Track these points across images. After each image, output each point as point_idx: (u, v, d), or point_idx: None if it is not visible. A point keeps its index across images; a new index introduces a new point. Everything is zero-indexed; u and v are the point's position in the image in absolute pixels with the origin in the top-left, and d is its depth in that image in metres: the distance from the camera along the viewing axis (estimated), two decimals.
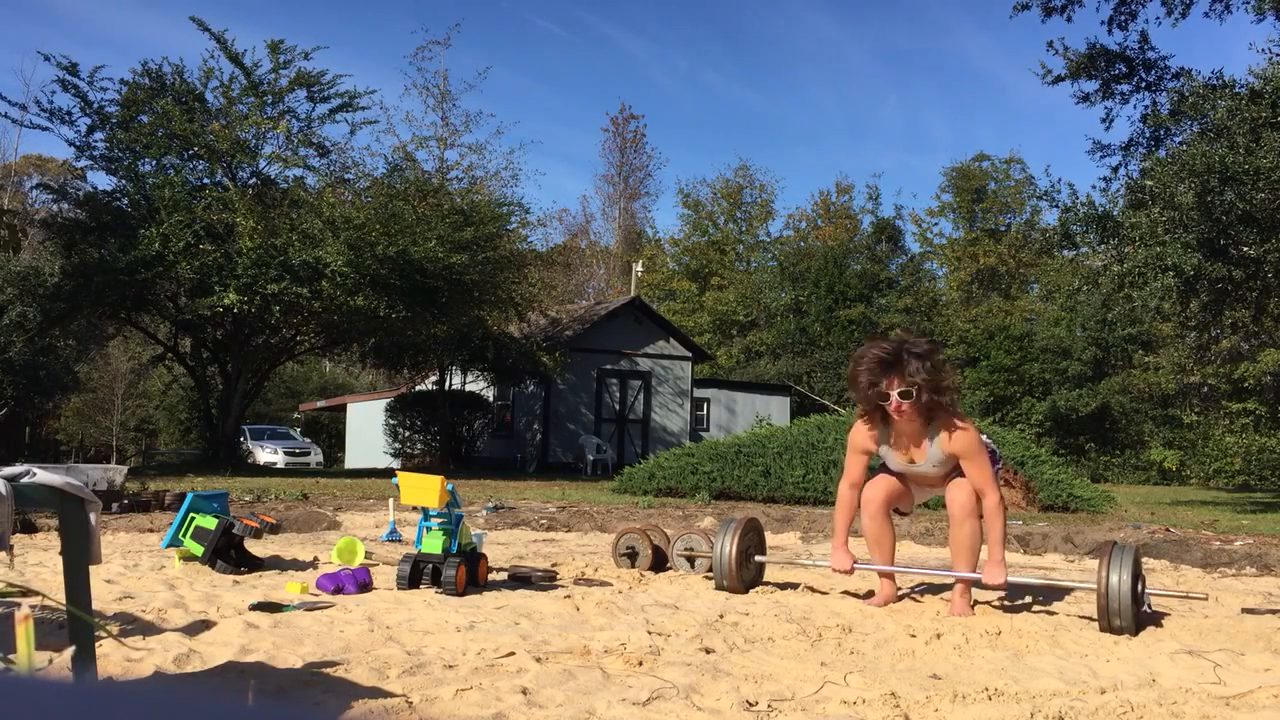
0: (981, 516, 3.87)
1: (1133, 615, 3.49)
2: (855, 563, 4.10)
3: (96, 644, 2.54)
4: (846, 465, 4.10)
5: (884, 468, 4.19)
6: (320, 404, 34.89)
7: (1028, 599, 4.36)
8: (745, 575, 4.39)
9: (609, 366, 23.21)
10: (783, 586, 4.53)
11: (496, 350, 20.37)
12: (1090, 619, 3.81)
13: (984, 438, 3.99)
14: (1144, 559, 6.26)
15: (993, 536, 3.81)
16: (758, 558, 4.52)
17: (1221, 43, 48.88)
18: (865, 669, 2.84)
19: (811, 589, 4.46)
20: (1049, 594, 4.48)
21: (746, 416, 25.98)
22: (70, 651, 1.99)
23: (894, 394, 3.67)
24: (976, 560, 4.01)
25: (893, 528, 4.21)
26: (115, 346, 29.67)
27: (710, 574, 4.79)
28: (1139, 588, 3.62)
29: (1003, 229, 41.45)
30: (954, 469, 3.95)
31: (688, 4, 69.53)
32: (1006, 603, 4.22)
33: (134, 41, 63.17)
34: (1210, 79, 13.14)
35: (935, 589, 4.53)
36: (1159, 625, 3.70)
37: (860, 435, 3.99)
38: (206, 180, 16.87)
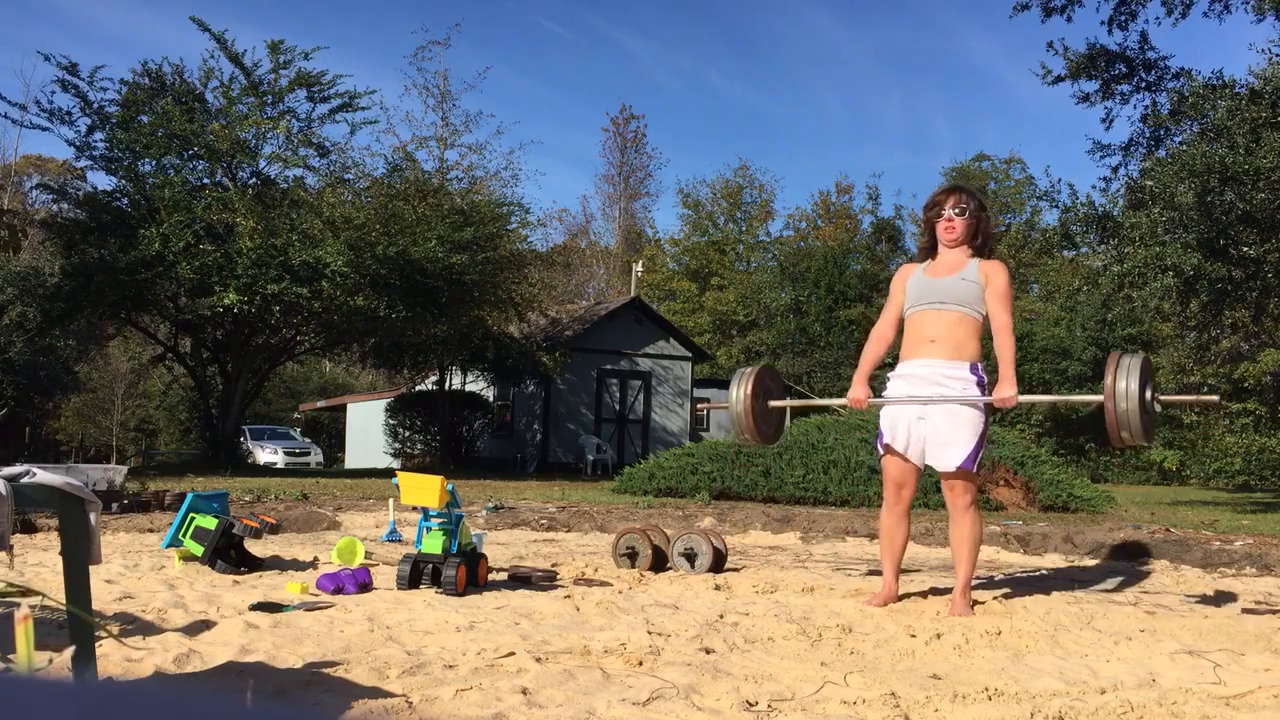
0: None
1: (1141, 422, 3.43)
2: (870, 398, 4.18)
3: (96, 644, 2.54)
4: (887, 304, 4.24)
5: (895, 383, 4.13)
6: (320, 404, 34.90)
7: (1028, 599, 4.36)
8: (765, 427, 4.20)
9: (609, 366, 23.21)
10: (783, 586, 4.53)
11: (496, 350, 20.37)
12: (1096, 607, 3.81)
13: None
14: (1144, 559, 6.26)
15: (1004, 356, 3.96)
16: (773, 403, 4.34)
17: (1221, 43, 48.91)
18: (865, 669, 2.84)
19: (812, 589, 4.46)
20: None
21: None
22: (70, 651, 1.99)
23: (950, 208, 4.02)
24: (976, 555, 4.03)
25: (908, 525, 4.21)
26: (115, 346, 29.67)
27: (711, 574, 4.80)
28: (1147, 395, 3.58)
29: (1003, 229, 41.44)
30: (964, 341, 3.97)
31: (692, 4, 69.56)
32: (1007, 603, 4.22)
33: (134, 41, 63.22)
34: (1210, 79, 13.14)
35: (935, 589, 4.53)
36: (1159, 626, 3.70)
37: (902, 270, 4.24)
38: (206, 180, 16.88)
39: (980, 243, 4.08)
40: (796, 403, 4.73)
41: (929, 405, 4.04)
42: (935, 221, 4.04)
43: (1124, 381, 3.43)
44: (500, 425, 23.68)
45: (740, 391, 4.16)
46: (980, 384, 4.01)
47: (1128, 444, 3.41)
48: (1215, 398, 3.95)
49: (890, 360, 4.29)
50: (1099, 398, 3.59)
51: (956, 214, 4.00)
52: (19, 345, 19.76)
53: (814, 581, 4.72)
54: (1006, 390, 3.89)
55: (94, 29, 62.93)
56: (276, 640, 3.03)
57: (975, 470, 3.96)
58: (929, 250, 4.15)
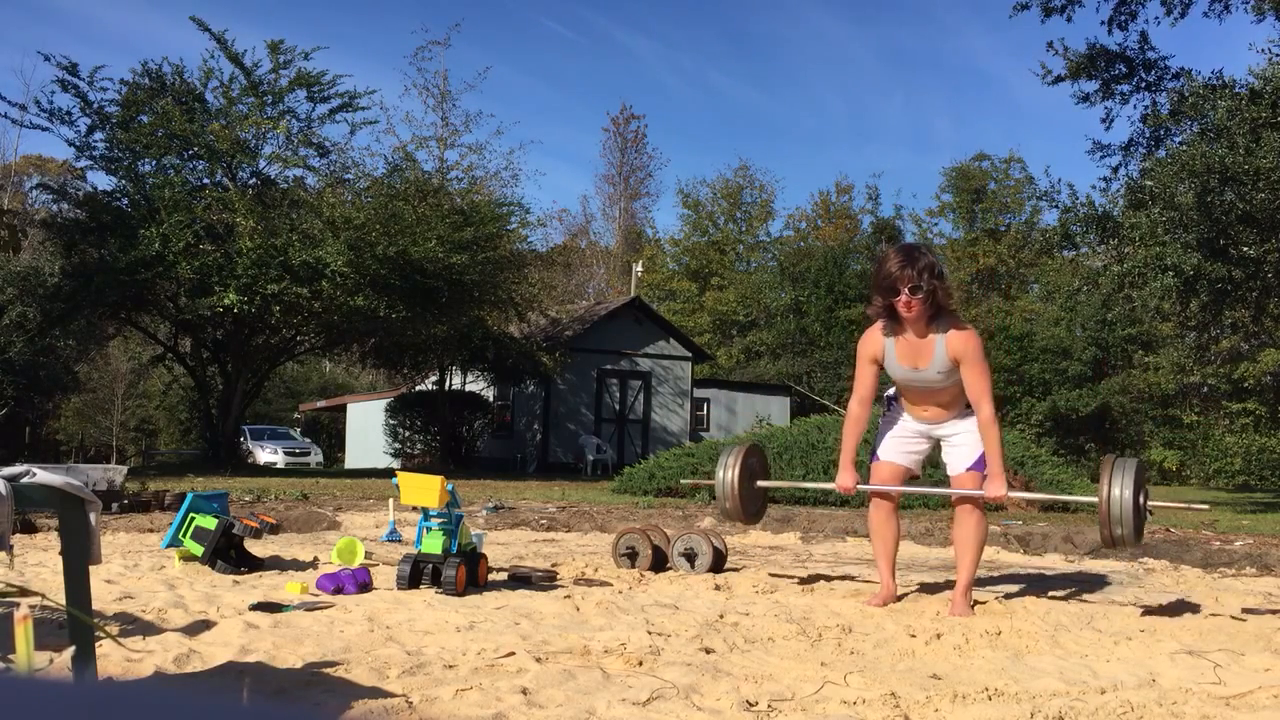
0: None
1: (1134, 527, 3.46)
2: (858, 483, 4.16)
3: (96, 644, 2.54)
4: (856, 379, 4.15)
5: (884, 426, 4.21)
6: (320, 404, 34.89)
7: (1027, 599, 4.36)
8: (751, 504, 4.30)
9: (609, 366, 23.21)
10: (783, 586, 4.53)
11: (496, 350, 20.37)
12: (1096, 607, 3.81)
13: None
14: (1144, 558, 6.26)
15: (991, 450, 3.90)
16: (761, 482, 4.43)
17: (1221, 43, 48.87)
18: (865, 669, 2.84)
19: (812, 589, 4.46)
20: (1052, 583, 4.48)
21: (746, 416, 25.98)
22: (70, 651, 1.99)
23: (905, 289, 3.80)
24: (979, 556, 4.05)
25: (898, 524, 4.28)
26: (115, 346, 29.67)
27: (711, 574, 4.80)
28: (1141, 500, 3.60)
29: (1002, 229, 41.45)
30: (960, 395, 4.00)
31: (693, 4, 69.50)
32: (1007, 603, 4.22)
33: (134, 41, 63.18)
34: (1210, 79, 13.13)
35: (935, 589, 4.53)
36: (1159, 626, 3.70)
37: (868, 341, 4.08)
38: (206, 180, 16.88)
39: (939, 310, 3.91)
40: (785, 484, 4.96)
41: (933, 434, 4.17)
42: (893, 301, 3.85)
43: (1119, 488, 3.48)
44: (500, 425, 23.68)
45: (728, 475, 4.25)
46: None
47: (1119, 545, 3.46)
48: (1205, 507, 4.01)
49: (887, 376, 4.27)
50: (1093, 500, 3.65)
51: (911, 293, 3.79)
52: (19, 345, 19.75)
53: (814, 581, 4.72)
54: (997, 488, 3.86)
55: (94, 29, 62.95)
56: (276, 640, 3.03)
57: (983, 472, 3.98)
58: (888, 316, 3.95)
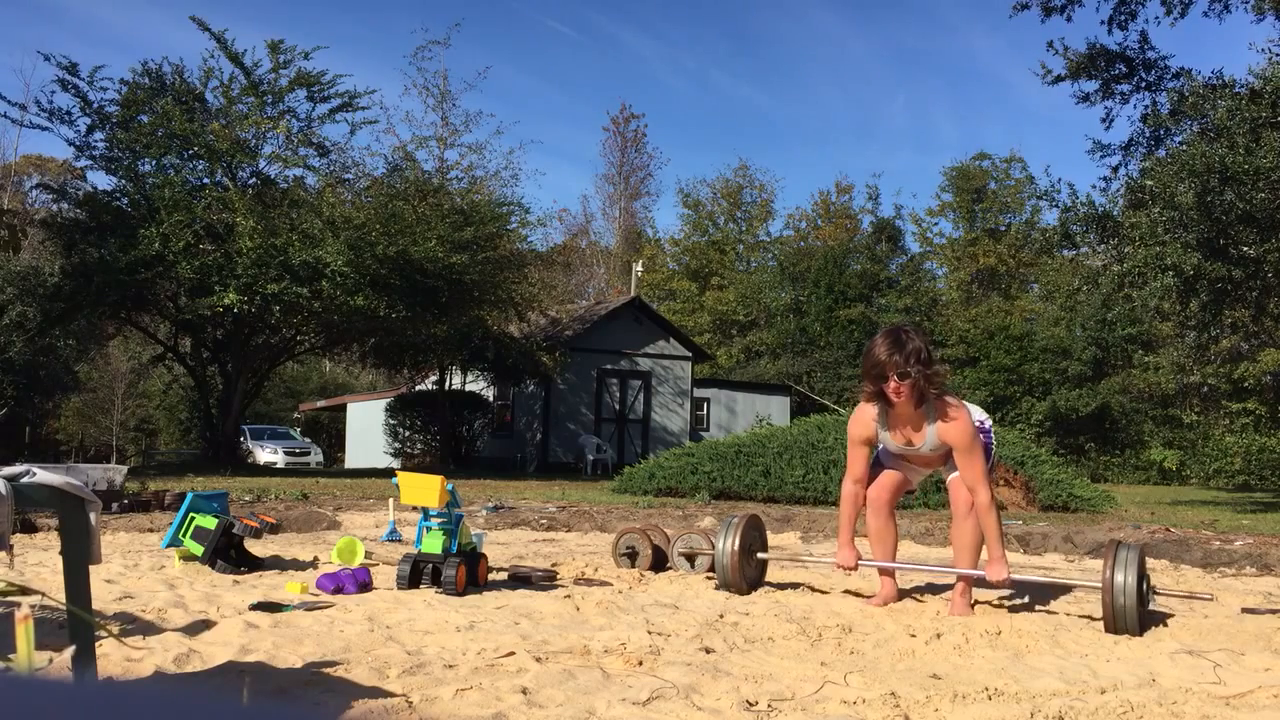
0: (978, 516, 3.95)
1: (1138, 616, 3.49)
2: (860, 559, 4.15)
3: (96, 644, 2.54)
4: (849, 460, 4.16)
5: (883, 455, 4.24)
6: (320, 404, 34.89)
7: (1028, 598, 4.36)
8: (748, 574, 4.38)
9: (609, 366, 23.21)
10: (783, 586, 4.53)
11: (496, 350, 20.37)
12: (1090, 618, 3.81)
13: (982, 418, 4.12)
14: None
15: (990, 535, 3.88)
16: (760, 555, 4.52)
17: (1221, 43, 48.89)
18: (865, 669, 2.84)
19: (811, 589, 4.46)
20: (1052, 592, 4.49)
21: (746, 416, 25.98)
22: (70, 651, 1.99)
23: (893, 375, 3.80)
24: (979, 557, 4.05)
25: (896, 525, 4.30)
26: (115, 346, 29.69)
27: (711, 573, 4.79)
28: (1144, 587, 3.62)
29: (1003, 229, 41.43)
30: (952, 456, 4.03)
31: (696, 3, 69.50)
32: (1007, 603, 4.23)
33: (134, 41, 63.22)
34: (1210, 79, 13.15)
35: (935, 589, 4.53)
36: (1159, 625, 3.70)
37: (859, 423, 4.07)
38: (206, 180, 16.88)
39: (927, 391, 3.91)
40: (783, 557, 5.04)
41: (924, 468, 4.28)
42: (881, 386, 3.86)
43: (1121, 574, 3.51)
44: (500, 425, 23.68)
45: (727, 545, 4.29)
46: (985, 432, 4.12)
47: (1121, 633, 3.49)
48: (1210, 595, 4.02)
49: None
50: (1096, 583, 3.66)
51: (899, 379, 3.80)
52: (19, 345, 19.77)
53: (815, 581, 4.72)
54: (998, 572, 3.85)
55: (94, 29, 62.97)
56: (276, 640, 3.03)
57: (983, 474, 3.99)
58: (878, 400, 3.96)
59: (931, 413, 3.93)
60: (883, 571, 4.21)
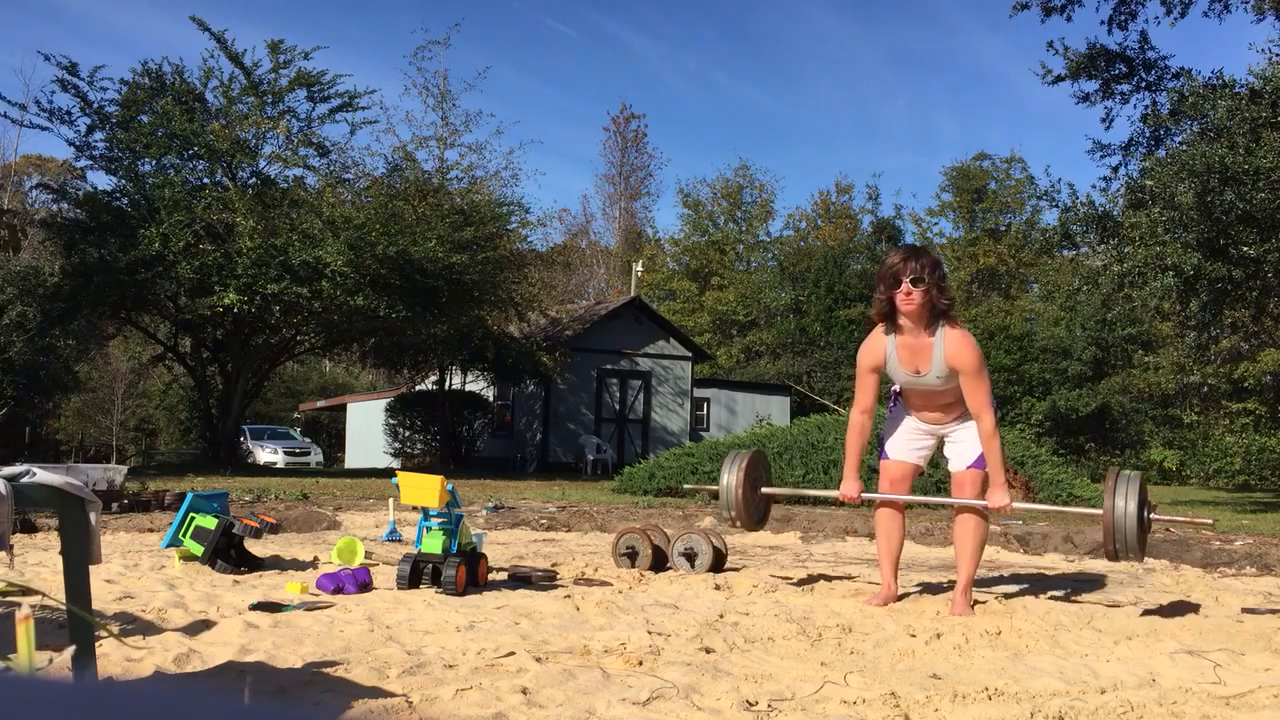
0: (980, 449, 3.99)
1: (1139, 542, 3.47)
2: (863, 492, 4.19)
3: (96, 644, 2.54)
4: (857, 390, 4.18)
5: (894, 412, 4.23)
6: (320, 404, 34.88)
7: (1027, 599, 4.36)
8: (755, 510, 4.33)
9: (609, 366, 23.21)
10: (783, 585, 4.53)
11: (496, 350, 20.38)
12: (1096, 607, 3.81)
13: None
14: (1144, 558, 6.26)
15: (993, 461, 3.94)
16: (764, 489, 4.48)
17: (1222, 43, 48.87)
18: (865, 669, 2.84)
19: (812, 589, 4.46)
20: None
21: (746, 416, 25.98)
22: (70, 651, 1.99)
23: (906, 279, 3.86)
24: (979, 556, 4.07)
25: (903, 523, 4.32)
26: (115, 346, 29.69)
27: (711, 572, 4.80)
28: (1144, 513, 3.61)
29: (1003, 229, 41.46)
30: (962, 398, 4.02)
31: (697, 3, 69.48)
32: (1006, 603, 4.23)
33: (134, 41, 63.21)
34: (1210, 79, 13.14)
35: (935, 589, 4.53)
36: (1159, 625, 3.70)
37: (868, 351, 4.09)
38: (206, 180, 16.88)
39: (939, 309, 3.96)
40: (787, 491, 5.00)
41: (938, 433, 4.20)
42: (893, 293, 3.91)
43: (1123, 501, 3.49)
44: (500, 425, 23.68)
45: (732, 478, 4.29)
46: None
47: (1121, 559, 3.49)
48: (1210, 520, 4.04)
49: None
50: (1098, 511, 3.67)
51: (913, 284, 3.86)
52: (19, 345, 19.77)
53: (814, 581, 4.72)
54: (1000, 498, 3.90)
55: (94, 29, 62.96)
56: (276, 640, 3.03)
57: (984, 470, 4.01)
58: (888, 317, 4.00)
59: (940, 339, 3.95)
60: (882, 572, 4.21)
